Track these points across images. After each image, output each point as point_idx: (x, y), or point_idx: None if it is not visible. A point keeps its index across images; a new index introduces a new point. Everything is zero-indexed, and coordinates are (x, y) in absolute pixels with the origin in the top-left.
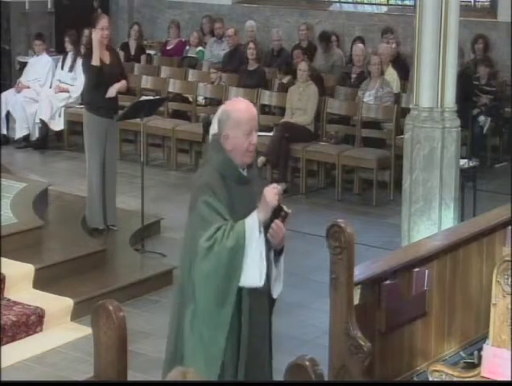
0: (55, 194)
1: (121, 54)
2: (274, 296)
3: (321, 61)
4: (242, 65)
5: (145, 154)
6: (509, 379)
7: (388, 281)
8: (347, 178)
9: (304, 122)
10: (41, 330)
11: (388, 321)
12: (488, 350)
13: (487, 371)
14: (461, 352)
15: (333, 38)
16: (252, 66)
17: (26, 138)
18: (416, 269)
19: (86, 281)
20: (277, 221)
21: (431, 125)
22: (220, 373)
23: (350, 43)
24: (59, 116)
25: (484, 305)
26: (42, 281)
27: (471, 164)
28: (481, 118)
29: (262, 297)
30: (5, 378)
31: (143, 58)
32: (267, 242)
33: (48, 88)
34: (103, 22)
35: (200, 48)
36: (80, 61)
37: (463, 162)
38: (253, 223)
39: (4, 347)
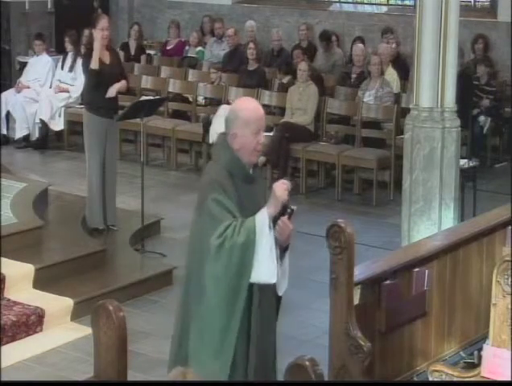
0: (55, 194)
1: (121, 54)
2: (280, 293)
3: (322, 61)
4: (242, 65)
5: (145, 154)
6: (509, 379)
7: (388, 281)
8: (347, 178)
9: (304, 122)
10: (41, 330)
11: (388, 321)
12: (488, 350)
13: (487, 371)
14: (461, 352)
15: (333, 38)
16: (252, 66)
17: (26, 138)
18: (416, 269)
19: (86, 281)
20: (283, 218)
21: (431, 125)
22: (231, 373)
23: (350, 43)
24: (59, 116)
25: (484, 305)
26: (42, 281)
27: (471, 164)
28: (481, 118)
29: (270, 295)
30: (5, 378)
31: (143, 58)
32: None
33: (48, 88)
34: (103, 22)
35: (199, 48)
36: (80, 61)
37: (463, 162)
38: (263, 218)
39: (4, 347)
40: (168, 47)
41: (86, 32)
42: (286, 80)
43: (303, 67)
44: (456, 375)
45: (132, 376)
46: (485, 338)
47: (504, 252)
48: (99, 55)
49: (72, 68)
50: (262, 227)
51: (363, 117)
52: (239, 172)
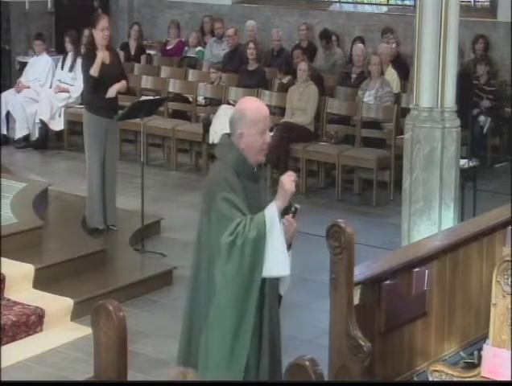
0: (55, 194)
1: (121, 54)
2: (282, 293)
3: (322, 61)
4: (242, 65)
5: (145, 154)
6: (509, 379)
7: (388, 281)
8: (347, 178)
9: (304, 122)
10: (41, 330)
11: (388, 321)
12: (488, 350)
13: (487, 371)
14: (461, 352)
15: (333, 38)
16: (252, 66)
17: (26, 138)
18: (416, 269)
19: (86, 281)
20: (288, 217)
21: (431, 125)
22: (245, 374)
23: (350, 43)
24: (59, 116)
25: (484, 305)
26: (42, 281)
27: (471, 164)
28: (481, 118)
29: (275, 294)
30: (5, 378)
31: (143, 58)
32: None
33: (48, 88)
34: (103, 22)
35: (199, 48)
36: (80, 61)
37: (463, 162)
38: (272, 212)
39: (4, 347)
40: (168, 47)
41: (86, 32)
42: (286, 80)
43: (303, 67)
44: (456, 375)
45: (132, 376)
46: (485, 338)
47: (504, 252)
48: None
49: (72, 68)
50: (272, 220)
51: (363, 117)
52: (245, 171)
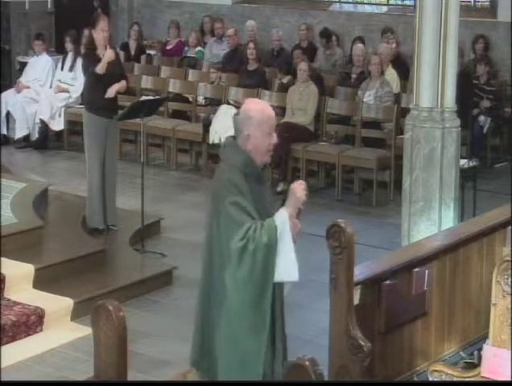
0: (55, 194)
1: (121, 54)
2: (285, 293)
3: (322, 61)
4: (242, 65)
5: (145, 154)
6: (509, 379)
7: (388, 281)
8: (347, 178)
9: (304, 122)
10: (41, 330)
11: (388, 321)
12: (488, 350)
13: (487, 371)
14: (461, 352)
15: (333, 38)
16: (252, 66)
17: (26, 138)
18: (416, 269)
19: (86, 281)
20: (292, 218)
21: (431, 125)
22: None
23: (350, 43)
24: (59, 116)
25: (484, 305)
26: (42, 281)
27: (471, 164)
28: (481, 118)
29: (282, 296)
30: (5, 378)
31: (143, 58)
32: None
33: (48, 88)
34: (102, 23)
35: (199, 48)
36: (80, 61)
37: (463, 162)
38: (283, 218)
39: (4, 347)
40: (168, 47)
41: (86, 32)
42: (286, 80)
43: (303, 67)
44: (456, 375)
45: (132, 376)
46: (485, 338)
47: (504, 252)
48: (100, 55)
49: (72, 68)
50: (283, 226)
51: (363, 117)
52: (253, 173)
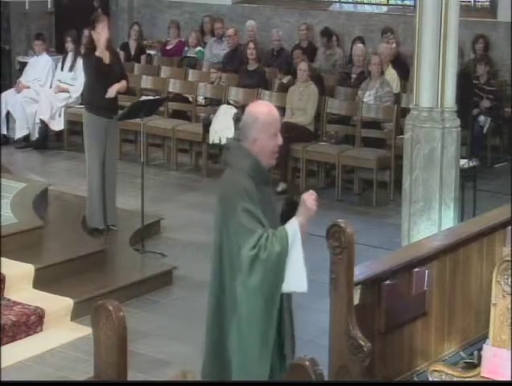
0: (55, 194)
1: (121, 54)
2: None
3: (322, 61)
4: (242, 65)
5: (145, 154)
6: (509, 379)
7: (388, 281)
8: (347, 178)
9: (304, 122)
10: (41, 330)
11: (388, 321)
12: (488, 350)
13: (487, 371)
14: (461, 352)
15: (333, 38)
16: (252, 66)
17: (26, 138)
18: (416, 269)
19: (86, 281)
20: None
21: (431, 125)
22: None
23: (350, 42)
24: (59, 116)
25: (484, 305)
26: (42, 281)
27: (471, 164)
28: (481, 118)
29: (290, 304)
30: (5, 378)
31: (143, 58)
32: None
33: (48, 88)
34: (102, 23)
35: (198, 48)
36: (80, 61)
37: (463, 162)
38: (294, 227)
39: (4, 347)
40: (168, 47)
41: (86, 32)
42: (286, 80)
43: (303, 67)
44: (456, 375)
45: (132, 376)
46: (485, 338)
47: (504, 252)
48: (100, 54)
49: (72, 68)
50: (294, 236)
51: (363, 117)
52: (260, 176)
